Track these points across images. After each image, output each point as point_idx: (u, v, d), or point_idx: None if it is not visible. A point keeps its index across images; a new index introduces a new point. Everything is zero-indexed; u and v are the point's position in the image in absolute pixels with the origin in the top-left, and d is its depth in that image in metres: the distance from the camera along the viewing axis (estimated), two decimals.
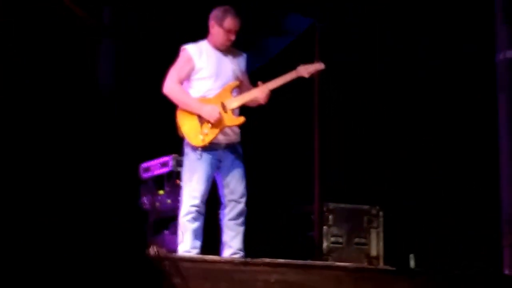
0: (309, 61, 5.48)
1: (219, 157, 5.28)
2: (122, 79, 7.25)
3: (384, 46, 7.63)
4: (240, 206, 5.30)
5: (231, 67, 5.36)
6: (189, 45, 5.36)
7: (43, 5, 6.66)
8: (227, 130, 5.29)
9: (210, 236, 5.38)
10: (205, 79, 5.31)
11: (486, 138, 6.65)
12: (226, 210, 5.32)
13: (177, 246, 5.23)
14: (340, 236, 6.57)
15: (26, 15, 6.58)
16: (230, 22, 5.32)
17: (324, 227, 6.52)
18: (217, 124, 5.23)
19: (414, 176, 7.38)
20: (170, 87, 5.28)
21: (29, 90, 6.57)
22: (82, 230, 4.15)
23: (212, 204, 5.35)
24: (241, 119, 5.31)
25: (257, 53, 7.23)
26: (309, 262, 5.17)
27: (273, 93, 5.36)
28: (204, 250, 5.19)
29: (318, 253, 6.39)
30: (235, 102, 5.31)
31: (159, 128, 6.37)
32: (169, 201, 6.82)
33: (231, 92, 5.34)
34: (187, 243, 5.16)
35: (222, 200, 5.34)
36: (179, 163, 6.58)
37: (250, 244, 5.37)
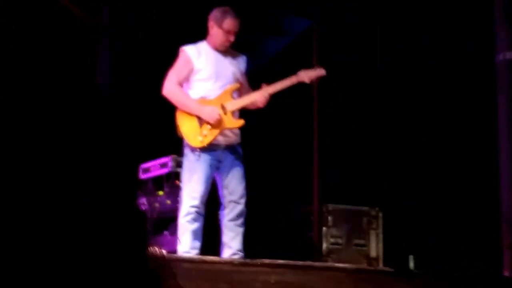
0: (308, 61, 5.48)
1: (218, 158, 5.28)
2: (121, 79, 7.24)
3: (384, 46, 7.62)
4: (240, 207, 5.30)
5: (230, 68, 5.36)
6: (187, 46, 5.36)
7: (42, 5, 6.65)
8: (227, 132, 5.28)
9: (210, 237, 5.37)
10: (204, 80, 5.30)
11: (486, 139, 6.64)
12: (226, 211, 5.31)
13: (176, 247, 5.23)
14: (340, 237, 6.57)
15: (25, 15, 6.57)
16: (229, 23, 5.31)
17: (324, 228, 6.52)
18: (217, 125, 5.22)
19: (413, 177, 7.37)
20: (170, 89, 5.28)
21: (29, 90, 6.56)
22: (82, 230, 4.14)
23: (212, 205, 5.35)
24: (241, 122, 5.30)
25: (255, 54, 7.22)
26: (308, 263, 5.17)
27: (273, 94, 5.36)
28: (203, 250, 5.19)
29: (318, 254, 6.39)
30: (235, 104, 5.31)
31: (158, 129, 6.36)
32: (168, 201, 6.82)
33: (232, 94, 5.34)
34: (186, 244, 5.16)
35: (222, 201, 5.34)
36: (178, 164, 6.59)
37: (249, 245, 5.37)
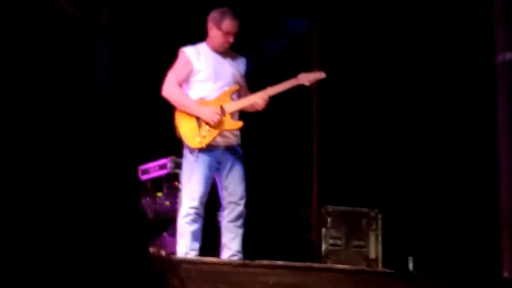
0: (307, 62, 5.48)
1: (218, 159, 5.27)
2: (121, 80, 7.24)
3: (384, 47, 7.61)
4: (239, 208, 5.29)
5: (230, 70, 5.36)
6: (187, 47, 5.36)
7: (42, 5, 6.65)
8: (226, 133, 5.28)
9: (209, 238, 5.37)
10: (204, 81, 5.30)
11: (486, 140, 6.63)
12: (225, 212, 5.31)
13: (176, 248, 5.22)
14: (339, 239, 6.57)
15: (24, 15, 6.57)
16: (228, 24, 5.31)
17: (323, 229, 6.52)
18: (216, 126, 5.22)
19: (412, 179, 7.37)
20: (169, 89, 5.28)
21: (28, 90, 6.56)
22: (82, 230, 4.14)
23: (211, 205, 5.35)
24: (240, 123, 5.30)
25: (254, 55, 7.21)
26: (307, 264, 5.16)
27: (272, 96, 5.35)
28: (203, 252, 5.18)
29: (317, 256, 6.39)
30: (234, 106, 5.30)
31: (157, 130, 6.36)
32: (167, 203, 6.81)
33: (231, 95, 5.33)
34: (185, 245, 5.15)
35: (221, 202, 5.33)
36: (177, 165, 6.59)
37: (249, 246, 5.37)
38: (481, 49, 6.77)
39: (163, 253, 4.39)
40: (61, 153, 6.54)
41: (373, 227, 6.67)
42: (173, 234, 6.06)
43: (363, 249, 6.61)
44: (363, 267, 6.41)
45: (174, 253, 5.22)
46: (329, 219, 6.56)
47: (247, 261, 4.79)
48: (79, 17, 6.90)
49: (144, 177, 7.11)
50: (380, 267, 6.49)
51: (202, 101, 5.26)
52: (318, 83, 5.53)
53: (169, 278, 4.26)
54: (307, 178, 6.63)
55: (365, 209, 6.71)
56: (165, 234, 6.70)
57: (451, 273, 5.29)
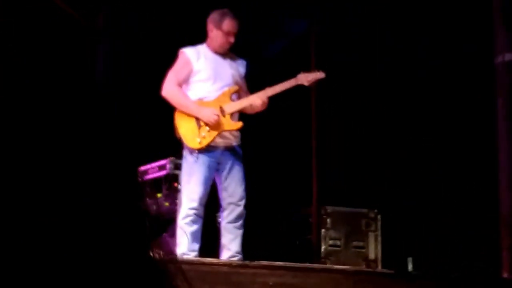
0: (307, 63, 5.48)
1: (217, 159, 5.27)
2: (120, 80, 7.23)
3: (383, 47, 7.61)
4: (239, 209, 5.29)
5: (230, 71, 5.35)
6: (187, 48, 5.36)
7: (41, 5, 6.64)
8: (226, 134, 5.28)
9: (209, 239, 5.37)
10: (203, 81, 5.30)
11: (485, 140, 6.63)
12: (225, 213, 5.31)
13: (175, 249, 5.21)
14: (338, 239, 6.56)
15: (23, 15, 6.57)
16: (228, 24, 5.31)
17: (322, 230, 6.51)
18: (215, 127, 5.22)
19: (412, 179, 7.36)
20: (169, 90, 5.28)
21: (28, 91, 6.55)
22: (81, 230, 4.13)
23: (211, 206, 5.34)
24: (239, 124, 5.30)
25: (254, 55, 7.21)
26: (307, 265, 5.16)
27: (271, 96, 5.35)
28: (202, 252, 5.18)
29: (316, 256, 6.38)
30: (233, 106, 5.30)
31: (157, 130, 6.35)
32: (167, 204, 6.81)
33: (230, 96, 5.33)
34: (185, 246, 5.15)
35: (221, 203, 5.33)
36: (177, 166, 6.58)
37: (248, 247, 5.36)
38: (480, 50, 6.76)
39: (163, 253, 4.38)
40: (61, 153, 6.54)
41: (373, 227, 6.66)
42: (172, 235, 6.05)
43: (363, 250, 6.60)
44: (363, 267, 6.40)
45: (173, 253, 5.21)
46: (328, 220, 6.55)
47: (247, 262, 4.79)
48: (78, 17, 6.89)
49: (143, 178, 7.09)
50: (379, 268, 6.48)
51: (201, 102, 5.26)
52: (318, 83, 5.53)
53: (171, 279, 4.25)
54: (307, 178, 6.61)
55: (364, 210, 6.70)
56: (164, 235, 6.69)
57: (450, 273, 5.29)
